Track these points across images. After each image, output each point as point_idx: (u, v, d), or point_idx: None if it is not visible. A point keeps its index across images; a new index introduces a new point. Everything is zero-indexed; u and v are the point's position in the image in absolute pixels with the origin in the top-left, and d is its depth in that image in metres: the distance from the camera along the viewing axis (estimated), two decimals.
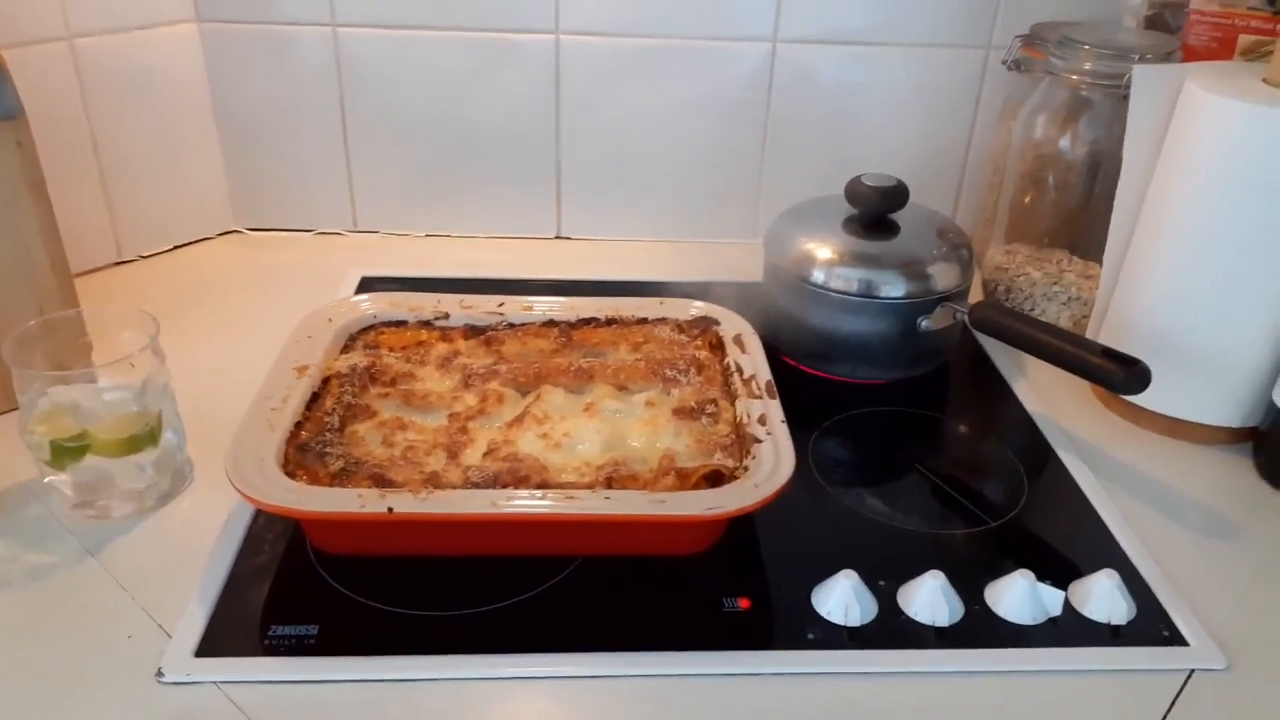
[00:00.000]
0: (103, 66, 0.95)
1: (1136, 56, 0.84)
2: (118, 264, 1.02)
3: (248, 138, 1.06)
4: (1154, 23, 0.99)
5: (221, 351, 0.86)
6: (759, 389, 0.71)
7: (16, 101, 0.71)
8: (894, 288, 0.82)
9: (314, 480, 0.61)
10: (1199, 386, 0.78)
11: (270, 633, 0.58)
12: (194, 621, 0.58)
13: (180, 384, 0.69)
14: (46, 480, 0.67)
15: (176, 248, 1.06)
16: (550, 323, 0.81)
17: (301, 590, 0.61)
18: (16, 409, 0.66)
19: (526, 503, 0.59)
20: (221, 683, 0.55)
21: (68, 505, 0.67)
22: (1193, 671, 0.58)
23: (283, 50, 1.02)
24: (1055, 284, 0.93)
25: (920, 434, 0.82)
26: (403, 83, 1.04)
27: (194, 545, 0.64)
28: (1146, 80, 0.78)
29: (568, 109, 1.06)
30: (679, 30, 1.02)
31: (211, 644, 0.57)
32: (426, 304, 0.81)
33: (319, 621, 0.59)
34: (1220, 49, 0.90)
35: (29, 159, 0.73)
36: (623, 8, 1.01)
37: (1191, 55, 0.90)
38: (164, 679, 0.55)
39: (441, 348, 0.77)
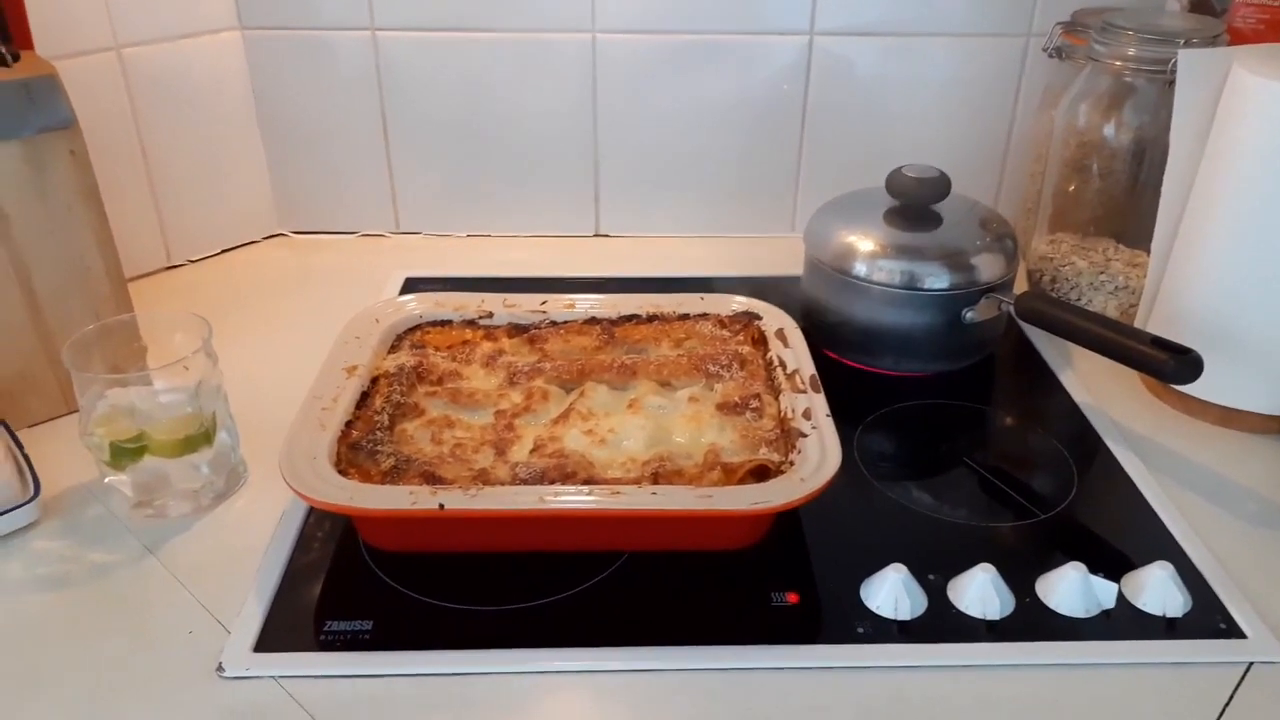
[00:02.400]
0: (150, 75, 0.97)
1: (1182, 41, 0.82)
2: (168, 268, 1.04)
3: (291, 142, 1.07)
4: (1198, 6, 0.98)
5: (270, 353, 0.87)
6: (803, 383, 0.70)
7: (70, 111, 0.73)
8: (937, 279, 0.81)
9: (366, 478, 0.62)
10: (1252, 375, 0.76)
11: (326, 628, 0.59)
12: (252, 617, 0.59)
13: (231, 385, 0.71)
14: (106, 481, 0.68)
15: (224, 252, 1.08)
16: (592, 320, 0.81)
17: (355, 586, 0.62)
18: (76, 412, 0.67)
19: (574, 498, 0.60)
20: (280, 677, 0.56)
21: (127, 505, 0.68)
22: (1251, 664, 0.57)
23: (324, 55, 1.03)
24: (1102, 273, 0.92)
25: (967, 427, 0.82)
26: (441, 85, 1.05)
27: (250, 543, 0.66)
28: (1192, 65, 0.76)
29: (605, 107, 1.06)
30: (715, 26, 1.02)
31: (269, 639, 0.58)
32: (470, 303, 0.82)
33: (373, 617, 0.59)
34: (1268, 31, 0.88)
35: (83, 167, 0.74)
36: (658, 5, 1.01)
37: (1238, 38, 0.88)
38: (224, 673, 0.56)
39: (486, 346, 0.78)
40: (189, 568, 0.64)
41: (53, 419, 0.77)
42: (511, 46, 1.03)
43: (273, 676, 0.56)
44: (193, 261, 1.06)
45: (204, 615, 0.60)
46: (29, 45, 0.80)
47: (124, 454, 0.66)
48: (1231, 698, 0.55)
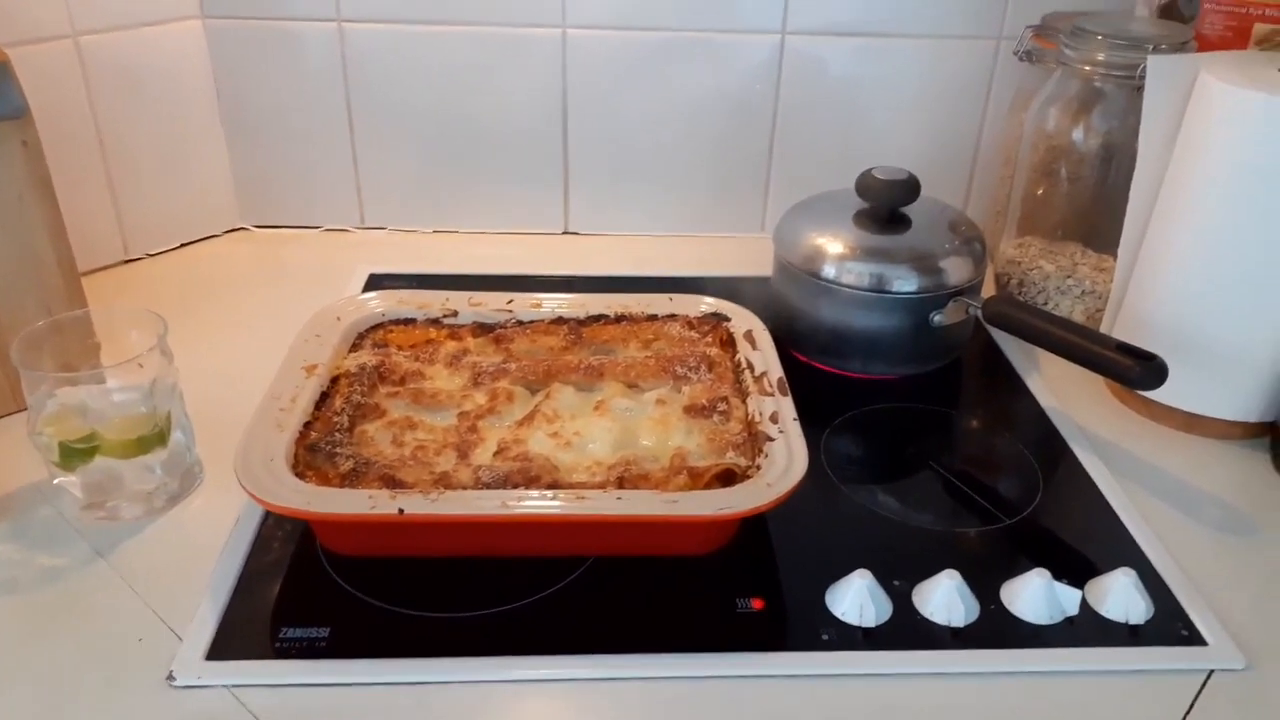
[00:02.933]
0: (108, 64, 0.94)
1: (1150, 46, 0.83)
2: (125, 262, 1.02)
3: (254, 134, 1.05)
4: (1167, 12, 0.98)
5: (229, 350, 0.85)
6: (770, 386, 0.70)
7: (22, 100, 0.71)
8: (906, 282, 0.81)
9: (324, 481, 0.61)
10: (1216, 381, 0.77)
11: (281, 635, 0.57)
12: (205, 624, 0.58)
13: (188, 384, 0.69)
14: (56, 482, 0.66)
15: (183, 245, 1.06)
16: (559, 320, 0.80)
17: (312, 592, 0.61)
18: (25, 410, 0.65)
19: (537, 503, 0.59)
20: (233, 686, 0.54)
21: (77, 507, 0.67)
22: (1212, 672, 0.57)
23: (288, 46, 1.01)
24: (1069, 277, 0.92)
25: (933, 430, 0.82)
26: (409, 78, 1.03)
27: (204, 546, 0.64)
28: (1161, 70, 0.77)
29: (575, 103, 1.05)
30: (687, 23, 1.01)
31: (222, 647, 0.57)
32: (435, 302, 0.80)
33: (330, 624, 0.58)
34: (1235, 38, 0.89)
35: (35, 158, 0.72)
36: (630, 1, 1.00)
37: (1206, 45, 0.89)
38: (175, 682, 0.54)
39: (450, 346, 0.77)
40: (141, 572, 0.62)
41: (1, 417, 0.75)
42: (481, 40, 1.01)
43: (226, 685, 0.54)
44: (151, 255, 1.03)
45: (155, 621, 0.58)
46: None
47: (74, 454, 0.64)
48: (1192, 705, 0.55)
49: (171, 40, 0.98)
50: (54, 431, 0.64)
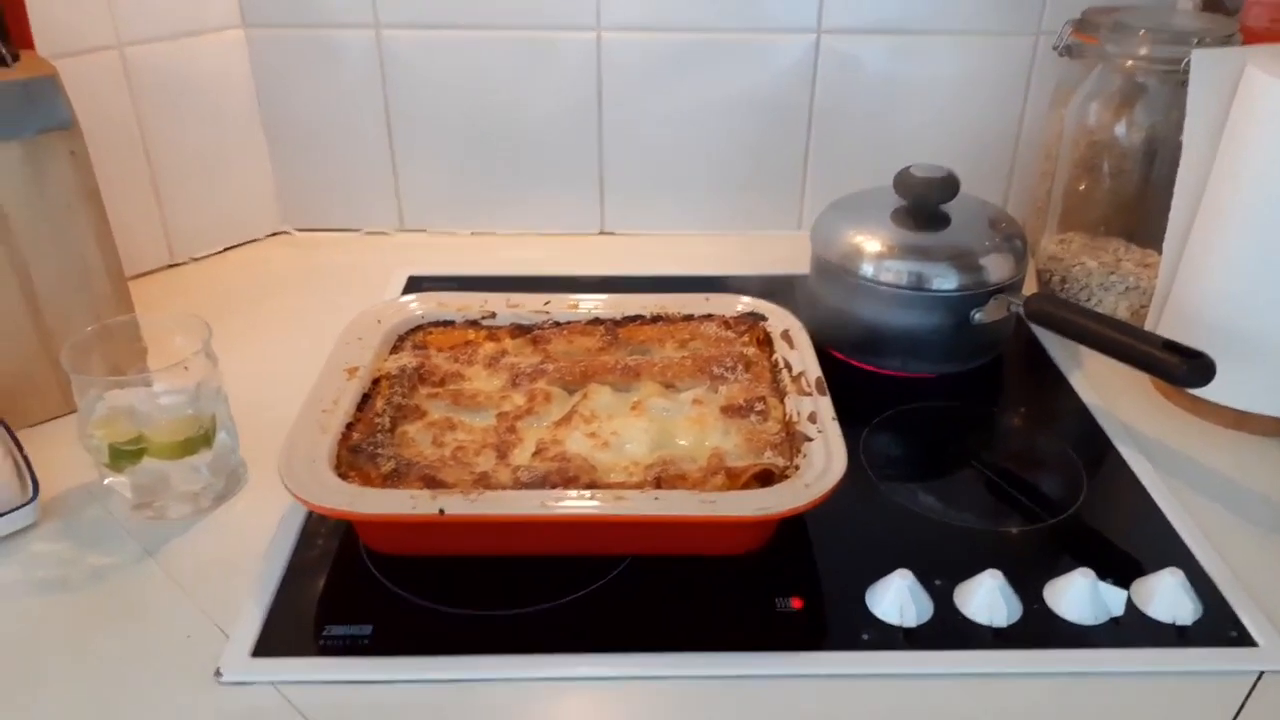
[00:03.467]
0: (152, 74, 0.96)
1: (1194, 40, 0.81)
2: (170, 266, 1.04)
3: (294, 140, 1.07)
4: (1211, 5, 0.96)
5: (272, 353, 0.87)
6: (808, 385, 0.70)
7: (70, 112, 0.73)
8: (946, 280, 0.80)
9: (366, 481, 0.61)
10: (1265, 378, 0.75)
11: (325, 633, 0.58)
12: (251, 622, 0.59)
13: (232, 386, 0.70)
14: (106, 482, 0.68)
15: (227, 250, 1.08)
16: (596, 321, 0.80)
17: (355, 590, 0.62)
18: (75, 413, 0.67)
19: (576, 503, 0.59)
20: (278, 683, 0.55)
21: (126, 507, 0.68)
22: (1262, 674, 0.56)
23: (327, 53, 1.03)
24: (1112, 273, 0.90)
25: (974, 429, 0.81)
26: (446, 82, 1.04)
27: (249, 546, 0.65)
28: (1205, 64, 0.75)
29: (610, 105, 1.05)
30: (721, 24, 1.01)
31: (268, 644, 0.57)
32: (473, 303, 0.81)
33: (373, 621, 0.59)
34: None
35: (83, 168, 0.74)
36: (663, 3, 1.00)
37: (1251, 37, 0.87)
38: (222, 679, 0.55)
39: (489, 347, 0.77)
40: (188, 571, 0.63)
41: (52, 419, 0.77)
42: (516, 44, 1.02)
43: (271, 682, 0.55)
44: (195, 260, 1.05)
45: (202, 619, 0.60)
46: (29, 45, 0.79)
47: (123, 456, 0.66)
48: (1242, 707, 0.54)
49: (214, 49, 1.00)
50: (103, 434, 0.65)
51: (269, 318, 0.94)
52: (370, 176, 1.09)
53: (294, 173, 1.09)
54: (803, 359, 0.73)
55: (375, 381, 0.72)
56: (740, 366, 0.73)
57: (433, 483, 0.61)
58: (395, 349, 0.77)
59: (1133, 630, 0.59)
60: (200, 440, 0.67)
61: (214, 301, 0.95)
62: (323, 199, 1.10)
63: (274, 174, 1.09)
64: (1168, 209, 0.80)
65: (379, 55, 1.03)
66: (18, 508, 0.65)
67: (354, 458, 0.64)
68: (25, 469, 0.69)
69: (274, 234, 1.11)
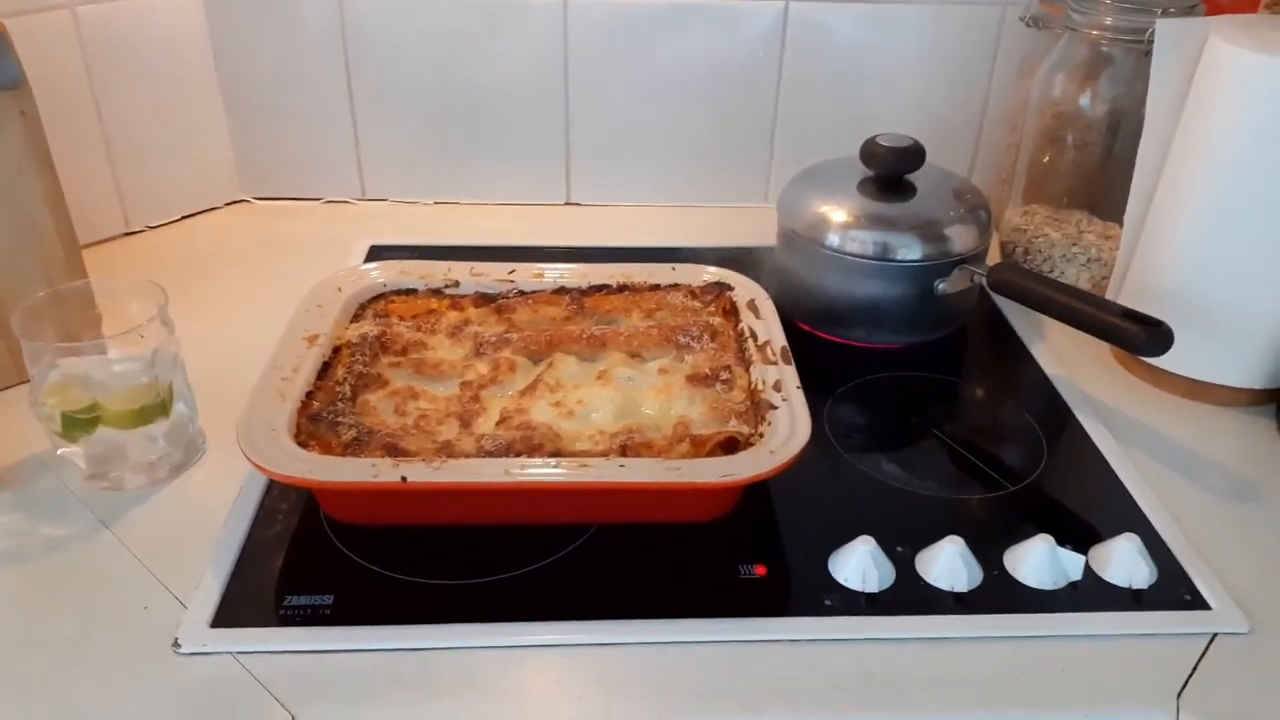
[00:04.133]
0: (106, 35, 0.94)
1: (1159, 10, 0.82)
2: (125, 235, 1.01)
3: (253, 105, 1.05)
4: None
5: (230, 322, 0.85)
6: (774, 355, 0.70)
7: (19, 70, 0.70)
8: (910, 250, 0.81)
9: (326, 450, 0.61)
10: (1221, 348, 0.76)
11: (285, 603, 0.58)
12: (209, 592, 0.58)
13: (190, 355, 0.69)
14: (59, 452, 0.66)
15: (184, 218, 1.06)
16: (561, 290, 0.80)
17: (316, 560, 0.61)
18: (27, 381, 0.65)
19: (540, 471, 0.59)
20: (238, 653, 0.55)
21: (80, 477, 0.67)
22: (1215, 635, 0.58)
23: (286, 15, 1.00)
24: (1074, 245, 0.91)
25: (937, 399, 0.81)
26: (409, 47, 1.02)
27: (208, 516, 0.64)
28: (1169, 35, 0.76)
29: (576, 72, 1.04)
30: None
31: (227, 614, 0.57)
32: (436, 272, 0.80)
33: (334, 591, 0.58)
34: (1245, 2, 0.87)
35: (33, 129, 0.72)
36: None
37: (1215, 9, 0.87)
38: (180, 650, 0.55)
39: (452, 316, 0.77)
40: (145, 542, 0.62)
41: (3, 389, 0.75)
42: (481, 8, 1.00)
43: (230, 652, 0.55)
44: (152, 228, 1.03)
45: (160, 590, 0.59)
46: None
47: (77, 425, 0.64)
48: (1195, 668, 0.55)
49: (170, 9, 0.98)
50: (56, 402, 0.64)
51: (227, 287, 0.92)
52: (331, 144, 1.07)
53: (253, 140, 1.06)
54: (768, 328, 0.73)
55: (336, 350, 0.71)
56: (706, 336, 0.73)
57: (395, 451, 0.61)
58: (356, 317, 0.76)
59: (1090, 595, 0.60)
60: (156, 409, 0.66)
61: (171, 270, 0.93)
62: (282, 167, 1.08)
63: (232, 141, 1.06)
64: (1130, 182, 0.81)
65: (340, 18, 1.00)
66: None
67: (314, 426, 0.63)
68: None
69: (232, 202, 1.09)
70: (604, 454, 0.62)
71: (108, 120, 0.96)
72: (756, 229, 0.96)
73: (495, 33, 1.02)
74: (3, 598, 0.58)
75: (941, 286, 0.81)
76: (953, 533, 0.61)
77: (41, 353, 0.64)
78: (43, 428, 0.65)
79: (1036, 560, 0.60)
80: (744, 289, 0.79)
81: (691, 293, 0.79)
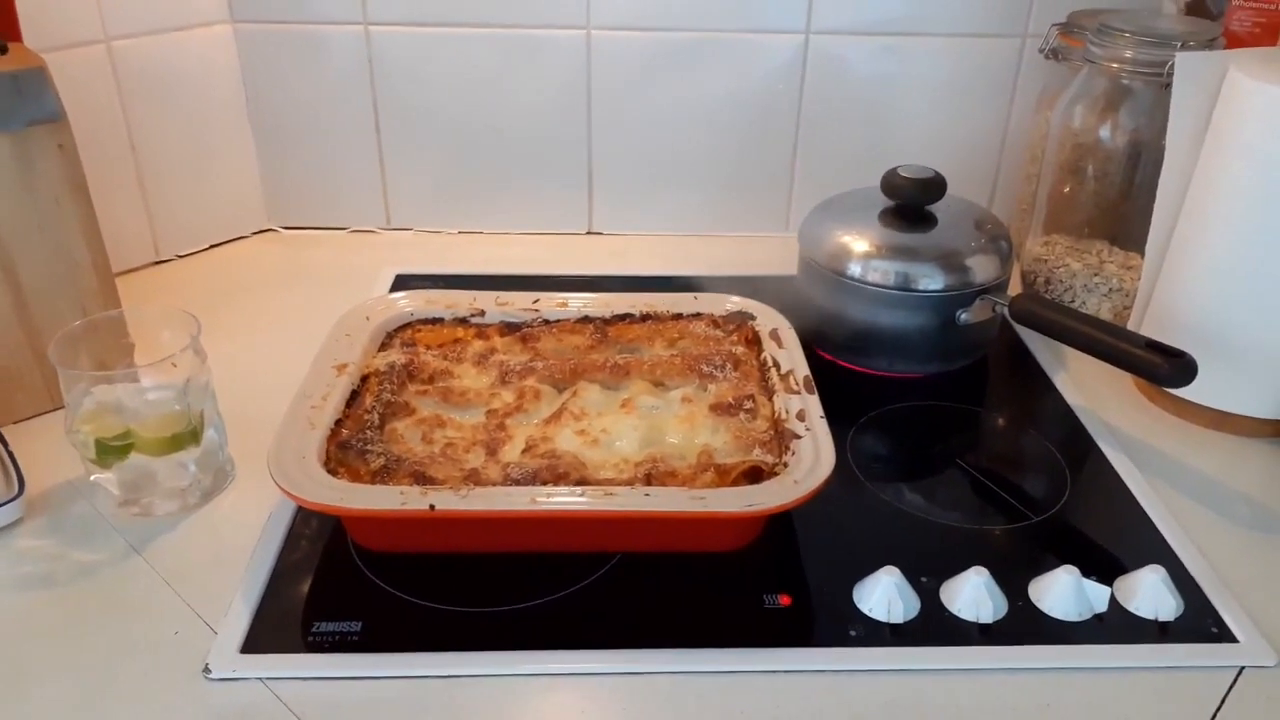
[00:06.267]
0: (139, 69, 0.96)
1: (1178, 44, 0.82)
2: (156, 264, 1.03)
3: (282, 137, 1.07)
4: (1195, 9, 0.98)
5: (259, 349, 0.86)
6: (797, 384, 0.70)
7: (58, 105, 0.72)
8: (932, 280, 0.81)
9: (355, 478, 0.61)
10: (1246, 378, 0.76)
11: (314, 629, 0.58)
12: (239, 618, 0.59)
13: (220, 382, 0.70)
14: (92, 478, 0.67)
15: (213, 247, 1.07)
16: (585, 319, 0.81)
17: (344, 587, 0.62)
18: (62, 408, 0.66)
19: (566, 499, 0.59)
20: (267, 679, 0.55)
21: (113, 503, 0.68)
22: (1243, 669, 0.57)
23: (315, 49, 1.02)
24: (1096, 275, 0.91)
25: (960, 428, 0.81)
26: (435, 81, 1.04)
27: (237, 542, 0.65)
28: (1189, 68, 0.76)
29: (599, 104, 1.06)
30: (710, 24, 1.02)
31: (256, 640, 0.57)
32: (462, 301, 0.81)
33: (362, 618, 0.59)
34: (1264, 34, 0.88)
35: (70, 161, 0.74)
36: (653, 2, 1.01)
37: (1234, 41, 0.88)
38: (211, 675, 0.55)
39: (478, 345, 0.78)
40: (175, 567, 0.63)
41: (38, 415, 0.76)
42: (505, 42, 1.02)
43: (260, 678, 0.55)
44: (181, 257, 1.05)
45: (190, 616, 0.59)
46: (17, 37, 0.79)
47: (110, 451, 0.65)
48: (1223, 702, 0.55)
49: (201, 45, 1.00)
50: (90, 429, 0.65)
51: (255, 316, 0.94)
52: (357, 175, 1.09)
53: (281, 170, 1.08)
54: (791, 357, 0.73)
55: (364, 378, 0.72)
56: (729, 365, 0.74)
57: (422, 479, 0.61)
58: (384, 346, 0.77)
59: (1116, 626, 0.60)
60: (188, 436, 0.67)
61: (200, 299, 0.95)
62: (309, 197, 1.10)
63: (260, 171, 1.08)
64: (1151, 212, 0.81)
65: (367, 53, 1.02)
66: (3, 504, 0.65)
67: (343, 454, 0.64)
68: (11, 465, 0.68)
69: (260, 231, 1.11)
70: (629, 482, 0.62)
71: (140, 152, 0.98)
72: (778, 259, 0.97)
73: (518, 66, 1.03)
74: (35, 622, 0.59)
75: (963, 316, 0.82)
76: (977, 563, 0.61)
77: (76, 380, 0.65)
78: (76, 454, 0.67)
79: (1061, 591, 0.60)
80: (766, 318, 0.79)
81: (714, 322, 0.80)
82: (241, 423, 0.72)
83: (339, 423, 0.66)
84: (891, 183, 0.84)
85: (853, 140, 1.07)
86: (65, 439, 0.66)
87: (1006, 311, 0.80)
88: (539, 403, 0.71)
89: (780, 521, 0.66)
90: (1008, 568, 0.62)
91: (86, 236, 0.75)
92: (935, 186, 0.83)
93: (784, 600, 0.61)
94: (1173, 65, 0.77)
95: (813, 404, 0.67)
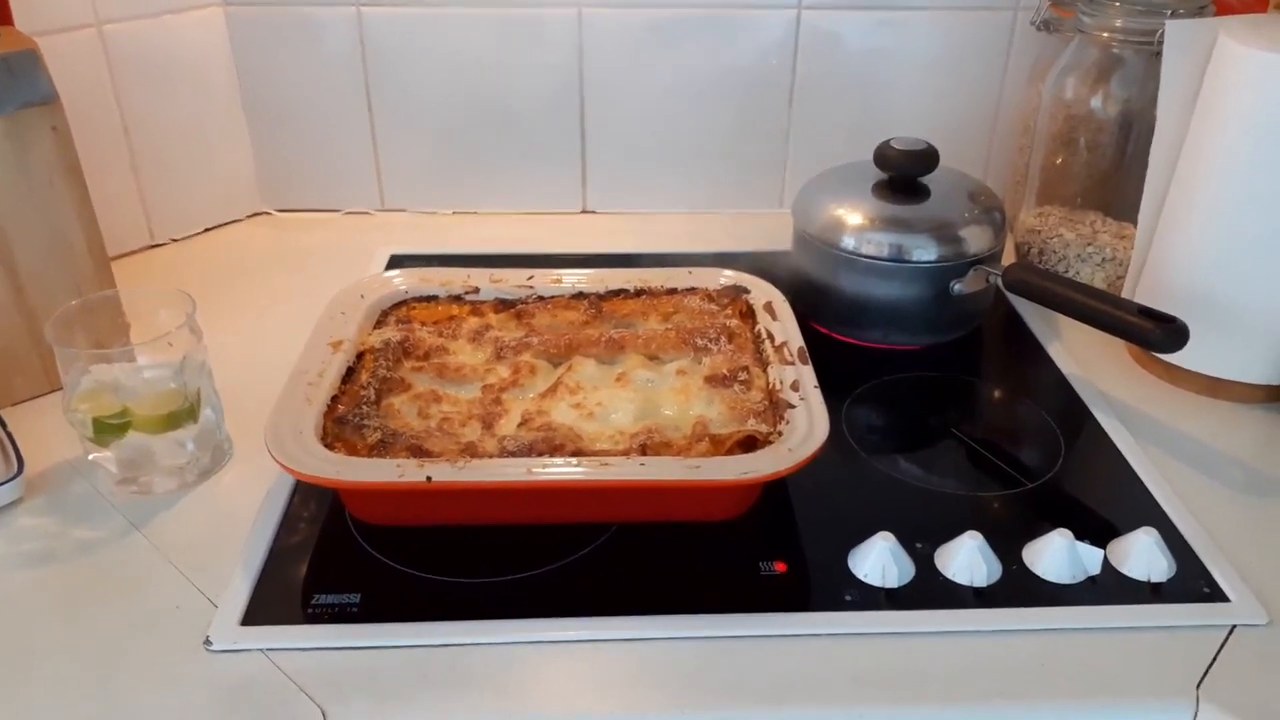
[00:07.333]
0: (132, 52, 0.96)
1: (1168, 12, 0.82)
2: (150, 247, 1.03)
3: (275, 119, 1.06)
4: None
5: (255, 331, 0.87)
6: (791, 355, 0.70)
7: (51, 87, 0.72)
8: (925, 251, 0.81)
9: (352, 452, 0.62)
10: (1237, 345, 0.77)
11: (313, 601, 0.59)
12: (239, 592, 0.59)
13: (216, 363, 0.70)
14: (91, 457, 0.68)
15: (207, 230, 1.07)
16: (580, 295, 0.81)
17: (342, 559, 0.62)
18: (60, 389, 0.67)
19: (562, 470, 0.60)
20: (268, 650, 0.56)
21: (111, 481, 0.68)
22: (1234, 627, 0.58)
23: (307, 31, 1.02)
24: (1089, 245, 0.92)
25: (954, 398, 0.82)
26: (427, 61, 1.04)
27: (236, 518, 0.65)
28: (1179, 35, 0.76)
29: (591, 83, 1.05)
30: (702, 0, 1.02)
31: (257, 613, 0.58)
32: (457, 279, 0.81)
33: (360, 589, 0.59)
34: (1254, 1, 0.88)
35: (64, 144, 0.74)
36: None
37: (1225, 9, 0.88)
38: (212, 647, 0.56)
39: (473, 321, 0.78)
40: (175, 543, 0.64)
41: (36, 396, 0.77)
42: (497, 21, 1.02)
43: (261, 649, 0.56)
44: (176, 240, 1.05)
45: (191, 590, 0.60)
46: (9, 20, 0.79)
47: (108, 430, 0.66)
48: (1214, 660, 0.56)
49: (193, 28, 1.00)
50: (88, 408, 0.65)
51: (251, 297, 0.94)
52: (351, 156, 1.09)
53: (274, 153, 1.08)
54: (785, 329, 0.74)
55: (359, 355, 0.72)
56: (723, 338, 0.74)
57: (419, 452, 0.62)
58: (379, 323, 0.77)
59: (1109, 588, 0.60)
60: (185, 414, 0.67)
61: (196, 281, 0.93)
62: (303, 179, 1.10)
63: (254, 154, 1.08)
64: (1143, 181, 0.81)
65: (359, 34, 1.02)
66: (3, 483, 0.65)
67: (340, 429, 0.64)
68: (9, 445, 0.69)
69: (254, 214, 1.11)
70: (624, 453, 0.62)
71: (133, 135, 0.98)
72: (772, 235, 0.97)
73: (510, 45, 1.03)
74: (37, 599, 0.60)
75: (957, 287, 0.82)
76: (972, 529, 0.61)
77: (73, 360, 0.65)
78: (74, 433, 0.67)
79: (1055, 555, 0.61)
80: (760, 291, 0.79)
81: (708, 296, 0.80)
82: (239, 402, 0.72)
83: (335, 398, 0.66)
84: (884, 155, 0.84)
85: (846, 115, 1.07)
86: (63, 420, 0.67)
87: (1000, 281, 0.80)
88: (534, 377, 0.71)
89: (776, 491, 0.66)
90: (1002, 533, 0.63)
91: (81, 219, 0.76)
92: (927, 158, 0.83)
93: (780, 567, 0.61)
94: (1163, 33, 0.77)
95: (806, 374, 0.68)
